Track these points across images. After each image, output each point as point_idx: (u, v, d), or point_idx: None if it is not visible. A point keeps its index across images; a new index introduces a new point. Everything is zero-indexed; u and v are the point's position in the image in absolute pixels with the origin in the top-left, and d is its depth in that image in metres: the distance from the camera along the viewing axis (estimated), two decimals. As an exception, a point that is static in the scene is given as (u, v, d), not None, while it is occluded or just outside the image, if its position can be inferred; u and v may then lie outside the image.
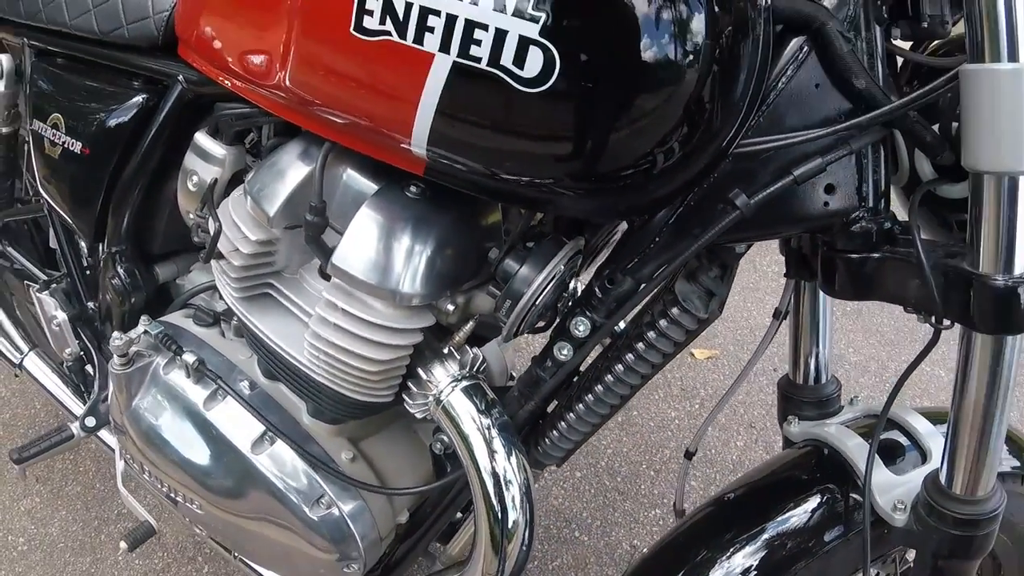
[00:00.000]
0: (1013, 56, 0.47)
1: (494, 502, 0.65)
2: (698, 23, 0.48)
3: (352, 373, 0.64)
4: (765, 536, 0.69)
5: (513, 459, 0.66)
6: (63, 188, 1.00)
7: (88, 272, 1.13)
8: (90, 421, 1.08)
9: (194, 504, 0.84)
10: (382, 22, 0.49)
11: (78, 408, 1.17)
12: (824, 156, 0.55)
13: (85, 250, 1.11)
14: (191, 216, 0.80)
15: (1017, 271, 0.53)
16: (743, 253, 0.66)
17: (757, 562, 0.69)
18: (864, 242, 0.60)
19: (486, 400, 0.66)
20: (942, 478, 0.62)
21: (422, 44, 0.49)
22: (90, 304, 1.13)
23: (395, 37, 0.49)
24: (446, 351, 0.66)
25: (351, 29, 0.51)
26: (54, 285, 1.14)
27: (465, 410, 0.64)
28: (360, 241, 0.61)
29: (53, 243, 1.22)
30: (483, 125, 0.51)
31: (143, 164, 0.88)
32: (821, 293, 0.77)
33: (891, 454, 0.72)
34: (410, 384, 0.67)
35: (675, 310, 0.63)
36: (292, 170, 0.66)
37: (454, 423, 0.64)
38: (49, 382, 1.21)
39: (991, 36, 0.49)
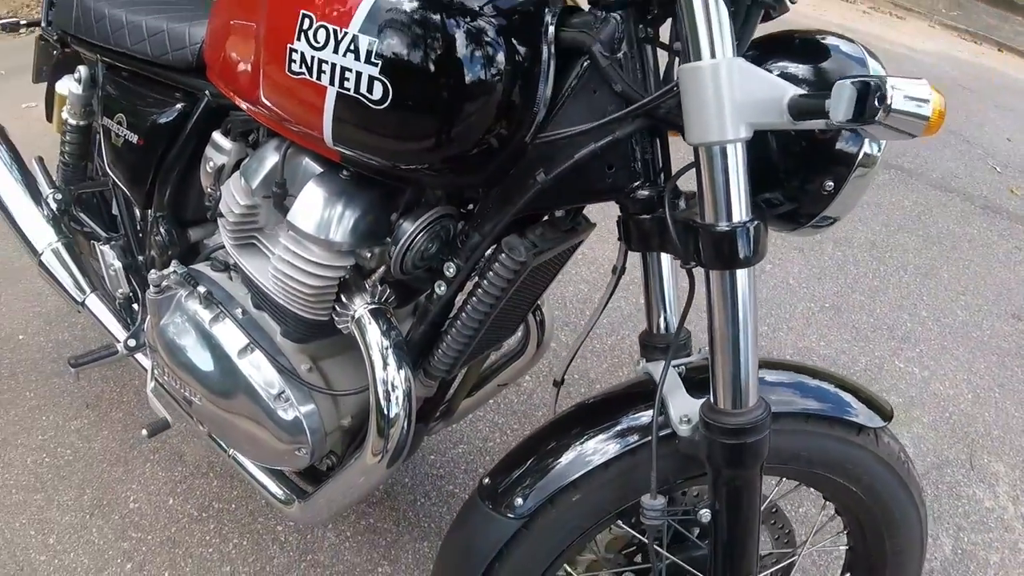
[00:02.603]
0: (712, 55, 0.66)
1: (381, 398, 0.96)
2: (500, 55, 0.76)
3: (298, 294, 0.99)
4: (596, 438, 0.91)
5: (403, 371, 0.97)
6: (124, 169, 1.38)
7: (140, 234, 1.53)
8: (131, 343, 1.48)
9: (198, 398, 1.21)
10: (300, 67, 0.83)
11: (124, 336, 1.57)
12: (597, 142, 0.77)
13: (139, 216, 1.51)
14: (208, 190, 1.18)
15: (734, 219, 0.70)
16: (563, 216, 0.92)
17: (585, 454, 0.90)
18: (644, 206, 0.81)
19: (388, 323, 0.99)
20: (712, 397, 0.80)
21: (321, 80, 0.81)
22: (140, 258, 1.52)
23: (308, 76, 0.83)
24: (366, 285, 1.00)
25: (285, 70, 0.85)
26: (113, 241, 1.55)
27: (371, 328, 0.98)
28: (306, 205, 0.96)
29: (115, 210, 1.63)
30: (358, 129, 0.83)
31: (180, 152, 1.26)
32: (663, 260, 0.97)
33: (704, 386, 0.84)
34: (336, 306, 1.01)
35: (502, 255, 0.88)
36: (268, 157, 1.01)
37: (362, 336, 0.98)
38: (105, 316, 1.61)
39: (693, 41, 0.67)
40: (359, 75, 0.78)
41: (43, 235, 1.70)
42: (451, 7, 0.77)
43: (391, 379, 0.97)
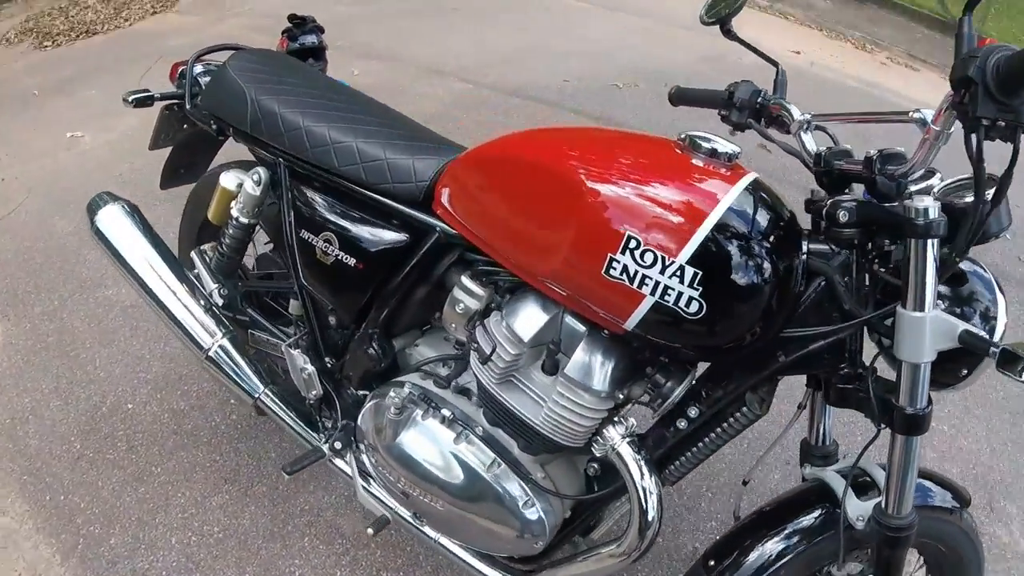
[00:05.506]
0: (921, 308, 1.06)
1: (642, 502, 1.33)
2: (769, 271, 1.13)
3: (569, 430, 1.35)
4: (783, 533, 1.32)
5: (654, 481, 1.35)
6: (334, 287, 1.67)
7: (329, 337, 1.81)
8: (337, 445, 1.80)
9: (432, 501, 1.56)
10: (620, 275, 1.16)
11: (309, 435, 1.86)
12: (825, 339, 1.18)
13: (333, 323, 1.78)
14: (453, 327, 1.53)
15: (918, 407, 1.11)
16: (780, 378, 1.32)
17: (777, 547, 1.32)
18: (847, 380, 1.21)
19: (638, 448, 1.36)
20: (883, 504, 1.20)
21: (641, 289, 1.15)
22: (327, 359, 1.82)
23: (627, 283, 1.16)
24: (617, 419, 1.38)
25: (602, 272, 1.18)
26: (301, 343, 1.85)
27: (629, 454, 1.34)
28: (582, 362, 1.31)
29: (291, 309, 1.94)
30: (663, 326, 1.17)
31: (403, 281, 1.55)
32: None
33: (864, 489, 1.29)
34: (597, 437, 1.38)
35: (744, 408, 1.30)
36: (537, 315, 1.35)
37: (622, 461, 1.35)
38: (283, 414, 1.88)
39: (913, 293, 1.05)
40: (680, 294, 1.13)
41: (208, 330, 1.91)
42: (750, 241, 1.13)
43: (648, 487, 1.35)
